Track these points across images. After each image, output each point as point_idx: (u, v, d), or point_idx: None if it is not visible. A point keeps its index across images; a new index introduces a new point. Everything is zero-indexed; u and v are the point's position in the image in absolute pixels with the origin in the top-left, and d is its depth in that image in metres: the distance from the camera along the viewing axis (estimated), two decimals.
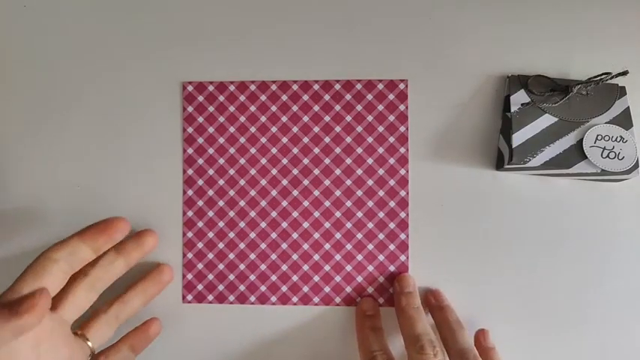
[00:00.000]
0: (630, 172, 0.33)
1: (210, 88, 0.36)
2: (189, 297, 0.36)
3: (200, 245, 0.36)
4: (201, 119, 0.36)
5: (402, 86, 0.36)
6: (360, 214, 0.36)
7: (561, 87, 0.35)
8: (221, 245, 0.36)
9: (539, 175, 0.36)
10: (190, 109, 0.36)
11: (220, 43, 0.37)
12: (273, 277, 0.36)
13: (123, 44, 0.38)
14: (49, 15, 0.38)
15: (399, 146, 0.36)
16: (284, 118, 0.36)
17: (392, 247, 0.35)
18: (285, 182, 0.36)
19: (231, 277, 0.36)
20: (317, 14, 0.37)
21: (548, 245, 0.36)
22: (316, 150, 0.36)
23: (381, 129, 0.36)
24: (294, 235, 0.36)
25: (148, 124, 0.37)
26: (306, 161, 0.36)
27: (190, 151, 0.36)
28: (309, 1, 0.37)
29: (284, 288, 0.36)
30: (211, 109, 0.36)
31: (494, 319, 0.35)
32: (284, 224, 0.36)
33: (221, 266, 0.36)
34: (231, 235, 0.36)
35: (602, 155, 0.33)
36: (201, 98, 0.36)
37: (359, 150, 0.36)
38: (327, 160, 0.36)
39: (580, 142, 0.34)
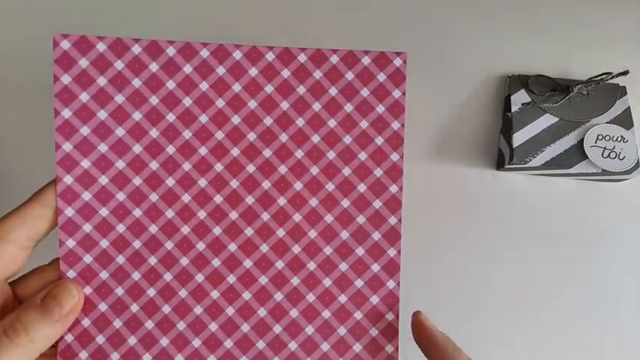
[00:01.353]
0: (631, 172, 0.33)
1: (100, 46, 0.23)
2: None
3: (87, 291, 0.23)
4: (85, 97, 0.23)
5: (397, 62, 0.24)
6: (328, 251, 0.24)
7: (562, 87, 0.35)
8: (119, 291, 0.23)
9: (540, 175, 0.36)
10: (66, 79, 0.23)
11: None
12: (196, 342, 0.23)
13: None
14: (49, 15, 0.38)
15: (389, 151, 0.24)
16: (219, 102, 0.23)
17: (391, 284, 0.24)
18: (235, 184, 0.24)
19: (132, 340, 0.23)
20: (309, 19, 0.37)
21: (548, 245, 0.36)
22: (267, 152, 0.24)
23: (364, 124, 0.24)
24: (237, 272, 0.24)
25: None
26: (251, 169, 0.24)
27: (68, 147, 0.23)
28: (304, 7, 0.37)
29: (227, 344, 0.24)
30: (102, 81, 0.23)
31: (494, 319, 0.35)
32: (211, 266, 0.23)
33: (117, 323, 0.23)
34: (136, 276, 0.23)
35: (602, 155, 0.33)
36: (84, 63, 0.23)
37: (330, 154, 0.24)
38: (282, 169, 0.24)
39: (581, 142, 0.34)
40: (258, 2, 0.37)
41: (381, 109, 0.24)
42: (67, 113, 0.23)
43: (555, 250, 0.36)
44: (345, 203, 0.24)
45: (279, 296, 0.24)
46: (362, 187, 0.24)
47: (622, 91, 0.35)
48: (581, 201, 0.36)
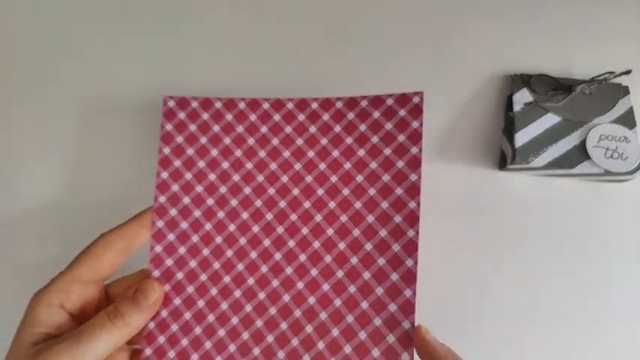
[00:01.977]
0: (634, 172, 0.33)
1: (194, 104, 0.31)
2: (148, 351, 0.28)
3: (167, 287, 0.29)
4: (180, 139, 0.30)
5: (416, 99, 0.29)
6: (354, 261, 0.28)
7: (564, 86, 0.35)
8: (190, 289, 0.29)
9: (542, 176, 0.36)
10: (169, 127, 0.31)
11: (210, 54, 0.36)
12: (245, 335, 0.28)
13: (120, 45, 0.37)
14: (49, 15, 0.37)
15: (409, 172, 0.28)
16: (275, 141, 0.30)
17: (393, 307, 0.27)
18: (269, 217, 0.29)
19: (198, 330, 0.28)
20: (314, 22, 0.37)
21: (551, 246, 0.36)
22: (308, 178, 0.29)
23: (387, 152, 0.29)
24: (274, 283, 0.28)
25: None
26: (296, 192, 0.29)
27: (165, 175, 0.30)
28: (305, 8, 0.37)
29: (256, 350, 0.28)
30: (193, 127, 0.31)
31: (495, 320, 0.35)
32: (264, 268, 0.29)
33: (188, 315, 0.29)
34: (203, 277, 0.29)
35: (605, 155, 0.33)
36: (182, 115, 0.31)
37: (359, 178, 0.29)
38: (320, 191, 0.29)
39: (583, 142, 0.34)
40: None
41: (401, 138, 0.29)
42: (167, 150, 0.31)
43: (557, 251, 0.35)
44: (370, 219, 0.28)
45: (312, 300, 0.28)
46: (384, 205, 0.28)
47: (625, 91, 0.35)
48: (583, 201, 0.36)
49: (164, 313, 0.29)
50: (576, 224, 0.36)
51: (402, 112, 0.29)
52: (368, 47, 0.37)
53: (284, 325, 0.28)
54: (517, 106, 0.35)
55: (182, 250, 0.29)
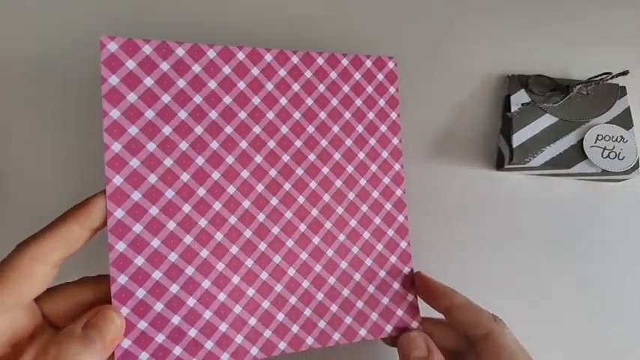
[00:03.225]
0: (630, 172, 0.33)
1: (147, 49, 0.24)
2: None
3: (140, 293, 0.24)
4: (132, 97, 0.24)
5: (390, 64, 0.30)
6: (353, 222, 0.28)
7: (562, 87, 0.35)
8: (174, 288, 0.24)
9: (540, 175, 0.36)
10: (114, 80, 0.24)
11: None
12: (252, 321, 0.26)
13: None
14: (49, 15, 0.38)
15: (391, 137, 0.29)
16: (255, 100, 0.26)
17: (393, 258, 0.29)
18: (260, 187, 0.26)
19: (193, 332, 0.25)
20: (312, 21, 0.37)
21: (548, 245, 0.36)
22: (297, 143, 0.27)
23: (371, 115, 0.29)
24: (276, 259, 0.27)
25: None
26: (285, 158, 0.27)
27: (117, 147, 0.23)
28: (305, 5, 0.37)
29: (267, 333, 0.26)
30: (149, 81, 0.24)
31: None
32: (262, 245, 0.26)
33: (175, 319, 0.24)
34: (189, 270, 0.24)
35: (602, 155, 0.33)
36: (131, 64, 0.24)
37: (348, 142, 0.28)
38: (311, 156, 0.28)
39: (580, 142, 0.34)
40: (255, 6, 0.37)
41: (382, 102, 0.30)
42: (115, 114, 0.24)
43: (555, 250, 0.36)
44: (362, 182, 0.29)
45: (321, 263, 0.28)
46: (374, 168, 0.29)
47: (622, 91, 0.35)
48: (580, 201, 0.36)
49: (142, 325, 0.24)
50: (573, 223, 0.36)
51: (380, 77, 0.30)
52: (366, 47, 0.37)
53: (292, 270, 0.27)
54: (515, 107, 0.35)
55: (155, 242, 0.24)
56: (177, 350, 0.24)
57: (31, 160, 0.37)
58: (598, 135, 0.34)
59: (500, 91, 0.37)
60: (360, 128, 0.29)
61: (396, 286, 0.29)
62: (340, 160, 0.28)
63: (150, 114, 0.24)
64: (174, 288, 0.24)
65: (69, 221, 0.22)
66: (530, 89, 0.35)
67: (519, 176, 0.36)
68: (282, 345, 0.26)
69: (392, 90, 0.30)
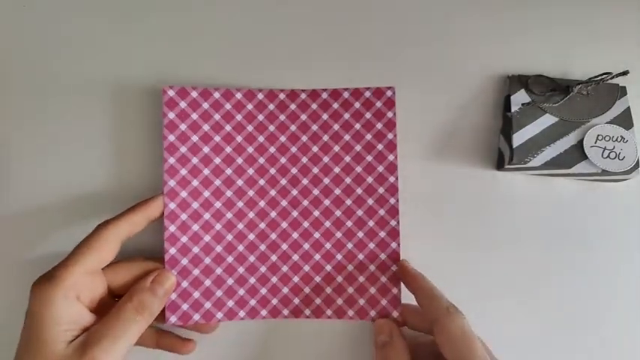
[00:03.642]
0: (631, 172, 0.33)
1: (194, 94, 0.34)
2: (173, 318, 0.32)
3: (184, 262, 0.32)
4: (183, 127, 0.33)
5: (388, 93, 0.34)
6: (349, 224, 0.34)
7: (562, 87, 0.35)
8: (207, 260, 0.33)
9: (540, 175, 0.36)
10: (172, 115, 0.33)
11: (206, 46, 0.37)
12: (263, 290, 0.33)
13: (119, 45, 0.37)
14: (49, 15, 0.38)
15: (387, 154, 0.34)
16: (271, 128, 0.34)
17: (383, 256, 0.34)
18: (273, 192, 0.34)
19: (219, 293, 0.33)
20: (311, 22, 0.37)
21: (548, 245, 0.36)
22: (304, 159, 0.34)
23: (369, 137, 0.34)
24: (284, 246, 0.34)
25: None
26: (294, 171, 0.34)
27: (172, 160, 0.33)
28: (301, 6, 0.37)
29: (274, 301, 0.33)
30: (195, 116, 0.33)
31: (494, 320, 0.35)
32: (273, 235, 0.34)
33: (208, 282, 0.33)
34: (219, 249, 0.33)
35: (602, 155, 0.33)
36: (183, 104, 0.33)
37: (347, 158, 0.34)
38: (315, 170, 0.34)
39: (580, 142, 0.34)
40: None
41: (379, 125, 0.34)
42: (171, 138, 0.33)
43: (555, 250, 0.36)
44: (359, 191, 0.34)
45: (321, 253, 0.34)
46: (370, 180, 0.34)
47: (622, 92, 0.35)
48: (581, 201, 0.36)
49: (184, 284, 0.32)
50: (573, 224, 0.36)
51: (379, 104, 0.34)
52: (366, 47, 0.38)
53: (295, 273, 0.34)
54: (515, 107, 0.35)
55: (195, 227, 0.33)
56: (208, 305, 0.33)
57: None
58: (598, 135, 0.34)
59: (501, 91, 0.37)
60: (358, 147, 0.34)
61: (384, 279, 0.33)
62: (340, 172, 0.34)
63: (195, 138, 0.33)
64: (207, 260, 0.33)
65: (136, 211, 0.31)
66: (530, 89, 0.35)
67: (519, 176, 0.36)
68: (285, 312, 0.33)
69: (390, 115, 0.34)
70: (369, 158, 0.34)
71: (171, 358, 0.33)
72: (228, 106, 0.34)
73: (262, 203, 0.34)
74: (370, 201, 0.34)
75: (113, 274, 0.31)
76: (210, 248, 0.33)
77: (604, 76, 0.35)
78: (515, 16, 0.37)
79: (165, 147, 0.33)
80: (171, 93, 0.33)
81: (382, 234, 0.34)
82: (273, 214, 0.34)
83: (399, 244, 0.33)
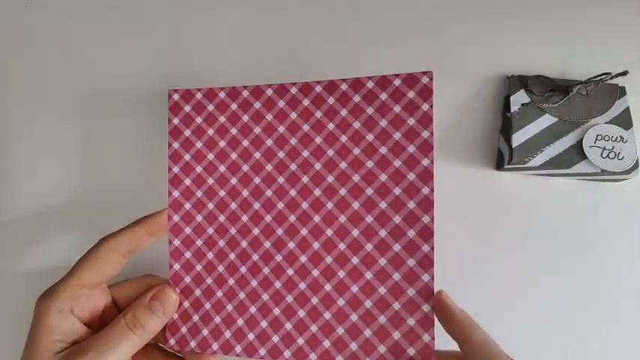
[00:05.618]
0: (630, 172, 0.33)
1: (198, 95, 0.31)
2: (172, 341, 0.30)
3: (187, 279, 0.30)
4: (188, 132, 0.31)
5: (425, 80, 0.27)
6: (369, 247, 0.28)
7: (561, 87, 0.35)
8: (209, 280, 0.30)
9: (539, 175, 0.36)
10: (176, 120, 0.31)
11: (210, 45, 0.37)
12: (264, 323, 0.29)
13: (119, 45, 0.38)
14: (49, 15, 0.38)
15: (421, 157, 0.27)
16: (281, 129, 0.30)
17: (411, 291, 0.27)
18: (280, 205, 0.29)
19: (217, 319, 0.30)
20: (313, 19, 0.37)
21: (548, 245, 0.36)
22: (317, 166, 0.29)
23: (397, 136, 0.27)
24: (289, 272, 0.29)
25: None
26: (305, 179, 0.29)
27: (176, 170, 0.31)
28: (305, 5, 0.37)
29: (275, 338, 0.29)
30: (199, 120, 0.31)
31: (494, 320, 0.35)
32: (278, 257, 0.29)
33: (207, 305, 0.30)
34: (221, 268, 0.30)
35: (602, 155, 0.33)
36: (188, 108, 0.31)
37: (369, 164, 0.28)
38: (329, 178, 0.28)
39: (580, 142, 0.34)
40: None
41: (411, 121, 0.27)
42: (176, 145, 0.31)
43: (554, 250, 0.36)
44: (383, 205, 0.27)
45: (332, 283, 0.28)
46: (397, 191, 0.27)
47: (621, 92, 0.35)
48: (580, 201, 0.36)
49: (186, 304, 0.30)
50: (573, 224, 0.36)
51: (411, 94, 0.27)
52: (366, 47, 0.38)
53: (302, 307, 0.29)
54: (514, 107, 0.35)
55: (199, 242, 0.30)
56: (205, 332, 0.30)
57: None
58: (597, 135, 0.34)
59: (500, 91, 0.37)
60: (383, 150, 0.28)
61: (411, 322, 0.27)
62: (359, 182, 0.28)
63: (199, 144, 0.31)
64: (209, 280, 0.30)
65: (137, 226, 0.29)
66: (529, 89, 0.35)
67: (519, 176, 0.36)
68: (287, 354, 0.28)
69: (425, 107, 0.27)
70: (397, 163, 0.27)
71: None
72: (234, 107, 0.30)
73: (268, 218, 0.30)
74: (397, 219, 0.27)
75: (119, 291, 0.31)
76: (212, 267, 0.30)
77: (603, 76, 0.35)
78: (514, 16, 0.37)
79: (169, 155, 0.31)
80: (176, 97, 0.31)
81: (411, 262, 0.27)
82: (279, 231, 0.29)
83: (432, 277, 0.26)
